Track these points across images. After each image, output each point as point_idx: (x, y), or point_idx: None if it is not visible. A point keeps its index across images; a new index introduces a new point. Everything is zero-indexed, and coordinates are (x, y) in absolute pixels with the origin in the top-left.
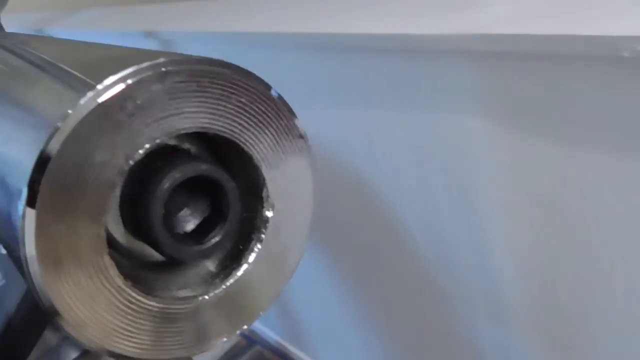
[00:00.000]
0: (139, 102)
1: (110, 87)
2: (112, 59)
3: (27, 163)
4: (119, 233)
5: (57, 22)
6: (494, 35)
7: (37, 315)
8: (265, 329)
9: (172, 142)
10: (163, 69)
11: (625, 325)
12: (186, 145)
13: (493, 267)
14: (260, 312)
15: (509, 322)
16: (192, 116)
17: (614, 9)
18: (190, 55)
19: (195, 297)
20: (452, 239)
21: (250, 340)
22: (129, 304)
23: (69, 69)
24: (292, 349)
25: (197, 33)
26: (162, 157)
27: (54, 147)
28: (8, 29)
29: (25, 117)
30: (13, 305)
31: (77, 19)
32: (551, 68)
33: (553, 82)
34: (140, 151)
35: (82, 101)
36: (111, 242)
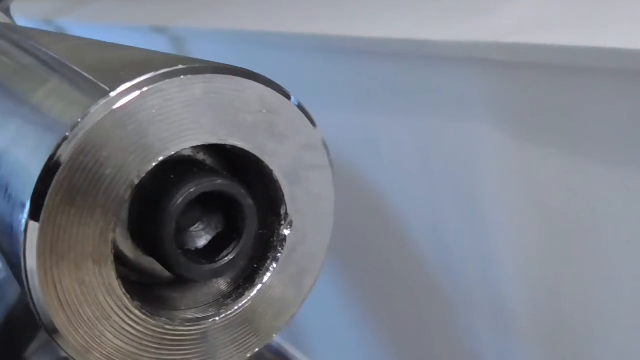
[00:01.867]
0: (154, 111)
1: (125, 94)
2: (127, 63)
3: (32, 173)
4: (127, 248)
5: (66, 13)
6: (507, 44)
7: None
8: None
9: (187, 152)
10: (182, 77)
11: (631, 343)
12: (201, 156)
13: (498, 276)
14: (274, 335)
15: (512, 331)
16: (210, 128)
17: (634, 21)
18: (209, 62)
19: (205, 318)
20: (457, 246)
21: None
22: (135, 325)
23: (80, 71)
24: (292, 351)
25: (206, 30)
26: (175, 168)
27: (61, 158)
28: (16, 18)
29: (31, 121)
30: (14, 298)
31: (86, 11)
32: (565, 79)
33: (566, 93)
34: (153, 164)
35: (94, 109)
36: (118, 257)
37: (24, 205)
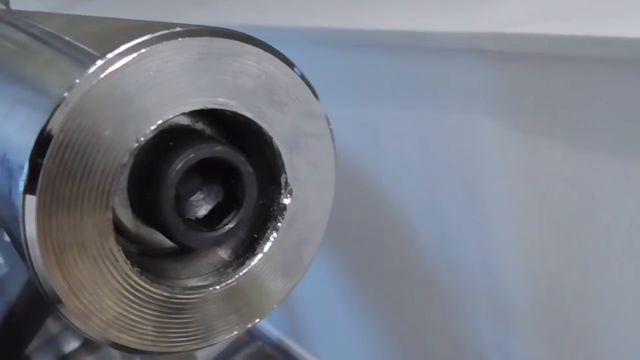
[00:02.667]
0: (151, 73)
1: (122, 56)
2: (123, 29)
3: (29, 138)
4: (127, 218)
5: (68, 11)
6: (507, 35)
7: (40, 303)
8: (266, 324)
9: (185, 121)
10: (179, 39)
11: (632, 334)
12: (200, 126)
13: (499, 269)
14: (274, 306)
15: (512, 325)
16: (210, 92)
17: (632, 10)
18: (208, 26)
19: (205, 287)
20: (458, 239)
21: (252, 335)
22: (134, 291)
23: (75, 39)
24: (293, 345)
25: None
26: (174, 137)
27: (58, 119)
28: None
29: (26, 90)
30: (16, 293)
31: (85, 9)
32: (564, 69)
33: (566, 83)
34: (152, 127)
35: (90, 70)
36: (118, 228)
37: (21, 169)
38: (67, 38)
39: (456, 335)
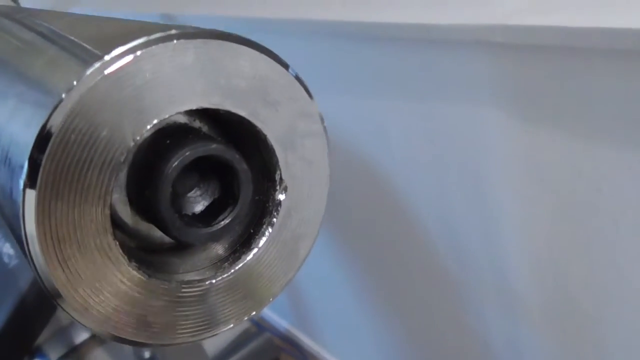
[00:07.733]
0: (147, 75)
1: (119, 58)
2: (123, 32)
3: (29, 137)
4: (126, 214)
5: (74, 3)
6: (512, 27)
7: None
8: (275, 316)
9: (182, 120)
10: (175, 41)
11: (638, 321)
12: (197, 124)
13: (505, 258)
14: (270, 299)
15: (519, 313)
16: (204, 92)
17: (638, 1)
18: (203, 29)
19: (202, 280)
20: (464, 230)
21: (260, 327)
22: (132, 285)
23: (76, 40)
24: (301, 336)
25: (212, 17)
26: (171, 135)
27: (57, 120)
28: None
29: (29, 90)
30: (26, 284)
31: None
32: (570, 60)
33: (571, 74)
34: (148, 127)
35: (88, 72)
36: (118, 223)
37: (22, 168)
38: (71, 38)
39: (464, 325)
